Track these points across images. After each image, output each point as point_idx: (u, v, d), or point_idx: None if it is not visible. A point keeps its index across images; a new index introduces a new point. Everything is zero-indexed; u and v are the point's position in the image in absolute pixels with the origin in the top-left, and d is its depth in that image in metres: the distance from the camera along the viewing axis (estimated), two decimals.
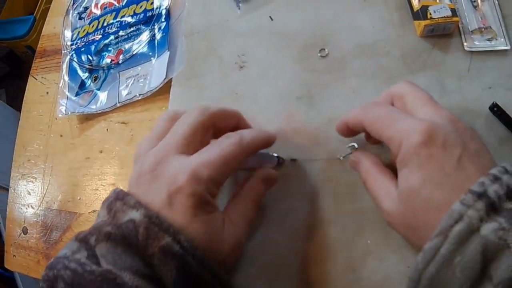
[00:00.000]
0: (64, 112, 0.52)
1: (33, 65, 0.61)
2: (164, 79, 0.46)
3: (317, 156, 0.39)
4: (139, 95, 0.47)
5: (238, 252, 0.33)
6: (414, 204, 0.27)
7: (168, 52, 0.48)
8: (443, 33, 0.42)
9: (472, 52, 0.42)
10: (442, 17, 0.41)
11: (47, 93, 0.57)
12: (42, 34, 0.62)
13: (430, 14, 0.41)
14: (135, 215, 0.28)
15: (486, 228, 0.23)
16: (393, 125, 0.29)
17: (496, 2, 0.44)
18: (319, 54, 0.43)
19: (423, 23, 0.41)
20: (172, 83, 0.46)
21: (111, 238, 0.27)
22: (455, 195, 0.24)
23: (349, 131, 0.34)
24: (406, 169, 0.27)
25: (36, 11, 1.49)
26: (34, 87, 0.59)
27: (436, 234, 0.24)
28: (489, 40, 0.43)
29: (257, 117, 0.41)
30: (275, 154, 0.38)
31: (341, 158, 0.38)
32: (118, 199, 0.29)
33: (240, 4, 0.46)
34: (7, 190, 1.25)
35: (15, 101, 1.73)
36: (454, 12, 0.41)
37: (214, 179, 0.30)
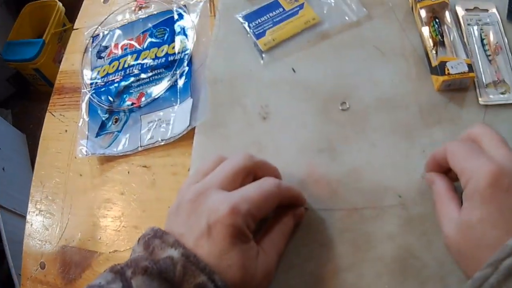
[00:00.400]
0: (85, 153, 0.52)
1: (50, 101, 0.61)
2: (188, 126, 0.47)
3: (337, 207, 0.40)
4: (162, 140, 0.48)
5: (268, 281, 0.34)
6: (469, 237, 0.29)
7: (191, 99, 0.49)
8: (459, 87, 0.44)
9: (486, 106, 0.43)
10: (459, 73, 0.43)
11: (66, 131, 0.58)
12: (60, 70, 0.63)
13: (448, 69, 0.43)
14: (174, 253, 0.30)
15: None
16: (468, 160, 0.31)
17: (511, 55, 0.46)
18: (340, 107, 0.44)
19: (441, 78, 0.43)
20: (195, 130, 0.47)
21: (148, 272, 0.29)
22: (508, 236, 0.27)
23: (436, 165, 0.37)
24: (469, 203, 0.30)
25: (45, 34, 1.51)
26: (52, 124, 0.60)
27: (487, 264, 0.26)
28: (502, 93, 0.44)
29: (279, 168, 0.42)
30: None
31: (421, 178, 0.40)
32: (157, 237, 0.32)
33: (263, 55, 0.48)
34: (12, 211, 1.24)
35: (21, 123, 1.74)
36: (470, 67, 0.43)
37: (252, 214, 0.32)
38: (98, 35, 0.62)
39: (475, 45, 0.46)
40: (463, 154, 0.32)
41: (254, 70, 0.48)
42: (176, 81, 0.52)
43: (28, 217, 0.56)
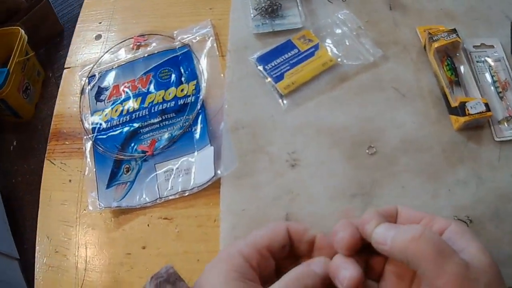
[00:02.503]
0: (98, 206, 0.49)
1: (48, 148, 0.57)
2: (213, 176, 0.46)
3: None
4: (185, 191, 0.47)
5: None
6: None
7: (212, 147, 0.47)
8: (476, 126, 0.46)
9: (501, 142, 0.46)
10: (478, 113, 0.44)
11: (70, 181, 0.54)
12: (54, 113, 0.59)
13: (468, 110, 0.44)
14: None
15: None
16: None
17: None
18: (367, 151, 0.45)
19: (462, 119, 0.44)
20: (221, 181, 0.46)
21: None
22: None
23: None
24: None
25: (10, 63, 1.43)
26: (52, 173, 0.56)
27: None
28: None
29: (313, 216, 0.42)
30: None
31: None
32: (169, 282, 0.30)
33: (284, 100, 0.47)
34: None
35: None
36: (487, 106, 0.45)
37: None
38: (94, 75, 0.58)
39: (486, 83, 0.48)
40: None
41: (276, 115, 0.47)
42: (190, 126, 0.50)
43: (36, 273, 0.52)
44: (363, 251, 0.32)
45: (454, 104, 0.45)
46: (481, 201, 0.42)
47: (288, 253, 0.34)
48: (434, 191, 0.43)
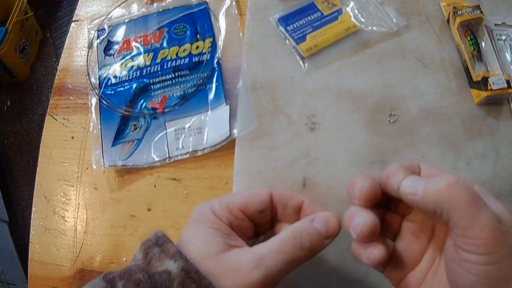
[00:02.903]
0: (103, 165, 0.47)
1: (50, 103, 0.55)
2: (228, 136, 0.44)
3: None
4: (197, 151, 0.45)
5: None
6: None
7: (228, 106, 0.45)
8: (495, 101, 0.45)
9: None
10: (500, 89, 0.44)
11: (72, 137, 0.52)
12: (59, 68, 0.56)
13: (490, 85, 0.44)
14: (172, 266, 0.26)
15: None
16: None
17: None
18: (388, 119, 0.44)
19: (484, 94, 0.43)
20: (236, 141, 0.44)
21: (141, 286, 0.25)
22: None
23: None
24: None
25: (8, 22, 1.38)
26: (54, 129, 0.53)
27: None
28: None
29: (330, 181, 0.41)
30: None
31: None
32: (158, 245, 0.28)
33: (305, 62, 0.46)
34: None
35: None
36: (508, 83, 0.44)
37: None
38: (104, 29, 0.56)
39: (506, 61, 0.48)
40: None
41: (296, 76, 0.46)
42: (204, 84, 0.48)
43: (31, 236, 0.49)
44: (379, 208, 0.31)
45: (476, 78, 0.45)
46: (498, 177, 0.42)
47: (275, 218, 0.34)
48: (454, 163, 0.42)
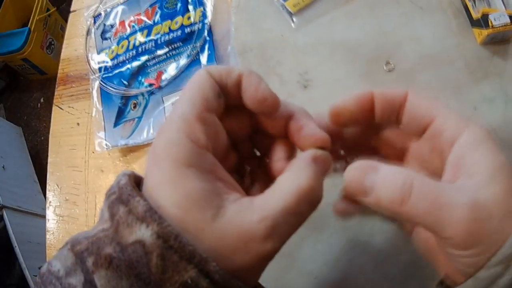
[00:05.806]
0: (105, 146, 0.47)
1: (56, 94, 0.56)
2: None
3: None
4: None
5: None
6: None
7: None
8: (501, 40, 0.40)
9: None
10: (502, 25, 0.39)
11: (78, 124, 0.53)
12: (61, 58, 0.57)
13: (491, 22, 0.39)
14: (145, 233, 0.19)
15: None
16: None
17: None
18: (385, 68, 0.40)
19: (486, 32, 0.39)
20: None
21: (114, 265, 0.19)
22: None
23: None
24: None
25: (30, 22, 1.43)
26: (60, 118, 0.54)
27: (497, 261, 0.19)
28: None
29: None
30: None
31: None
32: (122, 201, 0.20)
33: (293, 18, 0.43)
34: (16, 209, 1.18)
35: (15, 115, 1.68)
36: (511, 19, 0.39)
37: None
38: (99, 14, 0.56)
39: None
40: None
41: (286, 35, 0.43)
42: (197, 54, 0.47)
43: (47, 224, 0.51)
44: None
45: (476, 15, 0.40)
46: (509, 122, 0.37)
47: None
48: (459, 109, 0.38)
